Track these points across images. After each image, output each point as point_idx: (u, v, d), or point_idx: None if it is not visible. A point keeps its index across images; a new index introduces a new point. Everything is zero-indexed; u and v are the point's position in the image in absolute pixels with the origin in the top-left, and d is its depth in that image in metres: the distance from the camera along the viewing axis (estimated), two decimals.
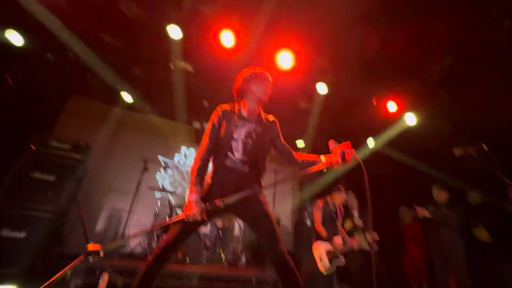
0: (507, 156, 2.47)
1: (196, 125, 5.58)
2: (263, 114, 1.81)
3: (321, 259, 3.22)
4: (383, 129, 4.91)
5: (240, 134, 1.66)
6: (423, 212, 3.62)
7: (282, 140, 1.81)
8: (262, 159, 1.71)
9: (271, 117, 1.83)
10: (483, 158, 2.21)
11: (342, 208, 3.68)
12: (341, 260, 3.23)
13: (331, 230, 3.42)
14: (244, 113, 1.74)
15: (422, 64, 3.74)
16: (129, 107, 5.40)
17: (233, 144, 1.63)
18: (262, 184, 1.70)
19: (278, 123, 1.83)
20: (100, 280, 2.36)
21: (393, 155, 4.99)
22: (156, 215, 4.00)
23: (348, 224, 4.13)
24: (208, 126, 1.71)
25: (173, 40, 3.70)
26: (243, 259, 3.68)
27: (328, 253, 3.25)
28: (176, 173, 5.95)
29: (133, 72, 4.55)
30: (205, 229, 3.93)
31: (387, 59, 3.80)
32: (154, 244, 3.51)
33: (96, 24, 3.70)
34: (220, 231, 3.72)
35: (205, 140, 1.66)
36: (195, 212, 1.39)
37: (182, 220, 1.42)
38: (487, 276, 3.47)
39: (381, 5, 3.08)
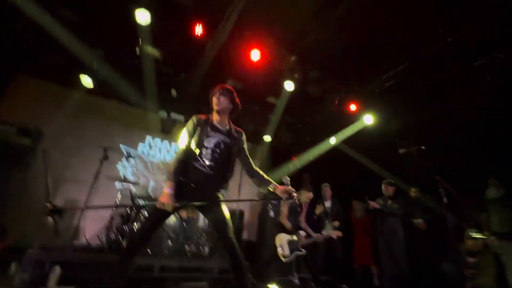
0: (440, 156, 2.86)
1: (163, 114, 5.38)
2: (233, 126, 2.04)
3: (281, 248, 3.41)
4: (343, 127, 5.29)
5: (210, 143, 1.87)
6: (374, 205, 4.05)
7: (246, 152, 2.04)
8: (228, 166, 1.94)
9: (239, 130, 2.06)
10: (422, 158, 2.55)
11: (306, 204, 3.96)
12: (302, 251, 3.48)
13: (295, 223, 3.66)
14: (216, 124, 1.96)
15: (379, 69, 4.09)
16: (89, 91, 5.01)
17: (203, 151, 1.85)
18: (227, 187, 1.97)
19: (244, 136, 2.07)
20: (51, 274, 2.24)
21: (349, 153, 5.41)
22: (115, 206, 3.83)
23: (318, 210, 4.45)
24: (184, 131, 1.94)
25: (141, 25, 3.52)
26: (207, 250, 3.73)
27: (290, 243, 3.46)
28: (139, 163, 5.72)
29: (95, 53, 4.23)
30: (169, 220, 3.89)
31: (349, 62, 4.09)
32: (113, 237, 3.38)
33: None
34: (184, 222, 3.72)
35: (181, 144, 1.90)
36: (169, 202, 1.65)
37: (155, 207, 1.67)
38: (422, 259, 4.02)
39: (351, 7, 3.28)
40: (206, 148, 1.85)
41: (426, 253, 3.96)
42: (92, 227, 4.38)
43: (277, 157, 6.97)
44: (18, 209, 3.36)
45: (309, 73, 4.37)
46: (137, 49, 4.08)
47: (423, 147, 2.52)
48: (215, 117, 1.98)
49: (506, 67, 3.32)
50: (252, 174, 1.97)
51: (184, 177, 1.81)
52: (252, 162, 2.03)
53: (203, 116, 1.99)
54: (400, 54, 3.82)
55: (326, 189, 4.72)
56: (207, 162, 1.83)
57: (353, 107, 4.71)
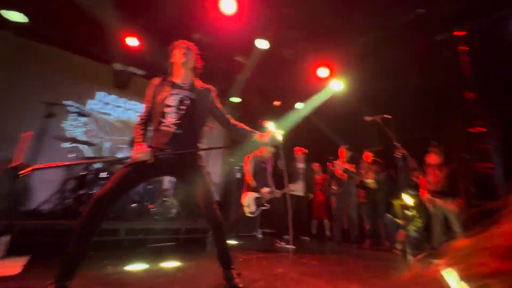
0: (401, 123, 3.12)
1: (117, 66, 4.73)
2: (198, 83, 1.89)
3: (248, 205, 3.57)
4: (313, 93, 5.36)
5: (173, 101, 1.74)
6: (339, 168, 4.42)
7: (220, 108, 1.91)
8: (197, 124, 1.80)
9: (207, 86, 1.91)
10: (385, 125, 2.74)
11: (271, 160, 4.05)
12: (266, 206, 3.67)
13: (261, 180, 3.77)
14: (178, 81, 1.82)
15: (352, 35, 4.08)
16: (24, 34, 4.07)
17: (167, 110, 1.72)
18: (198, 145, 1.82)
19: (215, 92, 1.91)
20: None
21: (315, 118, 5.60)
22: (67, 170, 3.46)
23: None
24: (146, 95, 1.81)
25: None
26: (174, 211, 3.71)
27: (256, 199, 3.62)
28: (92, 122, 5.13)
29: None
30: None
31: (324, 27, 3.97)
32: (67, 201, 3.10)
33: None
34: (147, 184, 3.57)
35: (144, 106, 1.81)
36: (145, 152, 1.56)
37: (128, 165, 1.56)
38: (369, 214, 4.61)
39: None
40: (170, 106, 1.72)
41: (373, 209, 4.53)
42: (43, 192, 3.96)
43: (244, 120, 6.88)
44: None
45: (283, 34, 4.16)
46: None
47: (387, 116, 2.68)
48: (177, 73, 1.84)
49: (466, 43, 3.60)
50: (233, 128, 1.91)
51: (151, 142, 1.70)
52: (229, 117, 1.93)
53: (163, 77, 1.85)
54: (371, 22, 3.83)
55: (300, 153, 4.95)
56: (173, 121, 1.70)
57: (324, 73, 4.73)
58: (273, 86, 5.63)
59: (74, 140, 3.88)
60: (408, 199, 4.09)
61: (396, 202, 4.07)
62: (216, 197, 5.95)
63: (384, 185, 4.37)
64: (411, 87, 4.25)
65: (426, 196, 3.91)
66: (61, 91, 4.71)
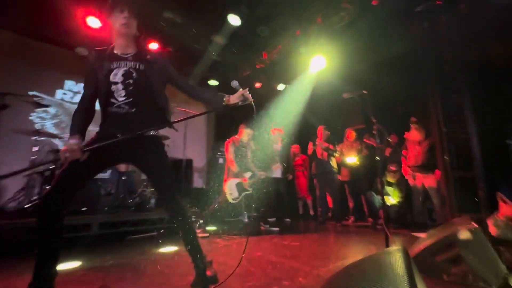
0: (378, 100, 3.04)
1: (81, 50, 4.39)
2: (144, 50, 1.61)
3: (230, 192, 3.50)
4: (293, 72, 5.19)
5: (117, 76, 1.47)
6: (315, 147, 4.39)
7: (176, 75, 1.66)
8: (153, 97, 1.54)
9: (154, 51, 1.67)
10: (362, 102, 2.65)
11: (251, 144, 3.95)
12: (249, 190, 3.59)
13: (243, 165, 3.69)
14: (119, 52, 1.54)
15: (330, 10, 3.89)
16: None
17: (113, 88, 1.46)
18: (168, 119, 1.59)
19: (165, 59, 1.64)
20: None
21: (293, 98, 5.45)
22: (35, 163, 3.24)
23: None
24: (84, 75, 1.52)
25: None
26: (153, 201, 3.59)
27: (238, 185, 3.54)
28: (62, 113, 4.82)
29: None
30: (104, 175, 3.52)
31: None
32: (34, 198, 2.92)
33: None
34: (122, 175, 3.42)
35: (84, 88, 1.51)
36: (73, 149, 1.28)
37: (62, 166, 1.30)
38: (352, 191, 4.66)
39: None
40: (115, 83, 1.46)
41: (356, 186, 4.56)
42: (7, 189, 3.74)
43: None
44: None
45: (256, 9, 3.91)
46: None
47: (365, 92, 2.59)
48: (117, 42, 1.54)
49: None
50: (197, 95, 1.66)
51: (101, 127, 1.48)
52: (190, 83, 1.71)
53: (99, 49, 1.55)
54: None
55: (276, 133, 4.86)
56: (122, 99, 1.45)
57: (301, 50, 4.54)
58: (251, 67, 5.40)
59: (41, 133, 3.63)
60: (391, 174, 4.16)
61: (382, 178, 4.12)
62: (200, 183, 5.90)
63: (366, 163, 4.38)
64: (389, 62, 4.15)
65: (408, 171, 3.96)
66: (25, 80, 4.36)
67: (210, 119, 6.60)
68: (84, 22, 3.75)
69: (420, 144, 3.88)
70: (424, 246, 1.74)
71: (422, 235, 2.31)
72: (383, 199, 2.55)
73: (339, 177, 4.62)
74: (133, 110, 1.47)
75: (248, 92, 1.60)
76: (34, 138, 3.34)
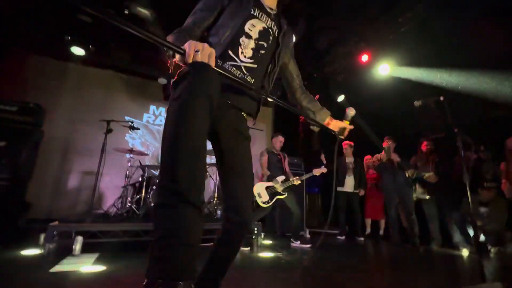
0: (458, 108, 2.65)
1: (162, 81, 5.19)
2: (282, 15, 1.26)
3: (259, 195, 3.40)
4: (354, 81, 4.97)
5: (254, 29, 1.09)
6: (395, 157, 4.09)
7: (295, 62, 1.35)
8: (273, 74, 1.20)
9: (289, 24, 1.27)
10: (439, 109, 2.35)
11: (284, 154, 3.90)
12: (283, 194, 3.44)
13: (277, 171, 3.65)
14: (264, 2, 1.17)
15: (392, 13, 3.65)
16: (84, 61, 4.83)
17: (242, 41, 1.07)
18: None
19: (294, 36, 1.32)
20: (74, 243, 2.38)
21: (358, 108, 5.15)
22: (127, 177, 3.93)
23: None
24: (201, 4, 1.11)
25: None
26: (219, 213, 3.87)
27: (268, 188, 3.44)
28: (146, 133, 5.74)
29: (81, 19, 3.95)
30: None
31: (358, 8, 3.63)
32: (128, 205, 3.52)
33: None
34: None
35: (201, 16, 1.07)
36: (208, 47, 0.81)
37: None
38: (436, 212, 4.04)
39: None
40: (248, 35, 1.08)
41: (437, 206, 3.95)
42: (108, 197, 4.62)
43: (280, 118, 6.82)
44: (36, 186, 3.52)
45: (315, 22, 3.95)
46: (126, 10, 3.76)
47: (441, 98, 2.29)
48: None
49: None
50: (300, 98, 1.34)
51: None
52: (300, 79, 1.37)
53: None
54: None
55: (348, 146, 4.72)
56: (246, 60, 1.07)
57: (365, 58, 4.33)
58: (310, 79, 5.39)
59: (132, 151, 4.40)
60: (485, 193, 3.47)
61: (473, 197, 3.47)
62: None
63: (448, 178, 3.76)
64: (472, 63, 3.56)
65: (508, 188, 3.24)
66: (122, 108, 5.42)
67: (268, 128, 6.78)
68: (164, 55, 4.46)
69: None
70: None
71: None
72: (475, 223, 2.15)
73: (414, 195, 4.08)
74: (251, 79, 1.10)
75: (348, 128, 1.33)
76: (128, 155, 4.07)
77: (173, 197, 0.69)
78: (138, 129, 4.17)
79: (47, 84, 4.75)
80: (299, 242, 3.55)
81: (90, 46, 4.35)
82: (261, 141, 6.39)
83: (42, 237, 2.49)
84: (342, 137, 1.35)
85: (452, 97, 2.40)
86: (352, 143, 4.76)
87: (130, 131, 5.25)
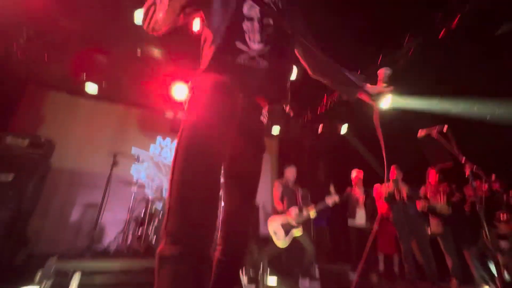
0: (462, 137, 2.65)
1: (169, 114, 5.37)
2: None
3: (275, 233, 3.21)
4: (357, 113, 5.06)
5: (253, 9, 0.96)
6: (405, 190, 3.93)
7: (311, 36, 1.16)
8: (288, 50, 1.05)
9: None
10: (443, 139, 2.34)
11: (298, 187, 3.79)
12: (299, 230, 3.25)
13: (291, 204, 3.47)
14: None
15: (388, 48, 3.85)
16: (96, 97, 5.08)
17: (246, 26, 0.94)
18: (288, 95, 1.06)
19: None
20: (72, 280, 2.28)
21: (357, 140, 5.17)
22: (130, 210, 3.87)
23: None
24: None
25: (139, 25, 3.47)
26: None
27: (283, 225, 3.27)
28: (151, 166, 5.77)
29: (97, 59, 4.25)
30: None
31: (359, 39, 3.83)
32: (130, 240, 3.42)
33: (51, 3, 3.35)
34: None
35: (214, 24, 0.96)
36: None
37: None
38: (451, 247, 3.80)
39: None
40: (250, 19, 0.96)
41: (454, 239, 3.73)
42: (110, 231, 4.49)
43: (285, 151, 6.85)
44: (37, 219, 3.47)
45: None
46: (139, 50, 4.05)
47: (445, 126, 2.29)
48: None
49: None
50: (328, 71, 1.15)
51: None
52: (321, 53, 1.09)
53: None
54: (416, 26, 3.56)
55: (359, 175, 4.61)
56: (256, 46, 0.94)
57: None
58: (313, 111, 5.52)
59: (135, 183, 4.39)
60: (504, 225, 3.29)
61: (491, 230, 3.28)
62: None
63: (461, 210, 3.61)
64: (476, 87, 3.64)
65: None
66: (129, 140, 5.54)
67: (273, 159, 6.78)
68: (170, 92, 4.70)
69: None
70: None
71: None
72: (496, 258, 2.01)
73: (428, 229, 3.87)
74: (265, 62, 0.95)
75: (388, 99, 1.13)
76: (132, 188, 4.06)
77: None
78: (143, 161, 4.20)
79: (59, 117, 4.93)
80: (308, 280, 3.33)
81: (103, 83, 4.60)
82: (265, 169, 6.36)
83: (38, 275, 2.39)
84: (380, 106, 1.13)
85: (459, 125, 2.40)
86: (362, 172, 4.65)
87: (135, 163, 5.33)
